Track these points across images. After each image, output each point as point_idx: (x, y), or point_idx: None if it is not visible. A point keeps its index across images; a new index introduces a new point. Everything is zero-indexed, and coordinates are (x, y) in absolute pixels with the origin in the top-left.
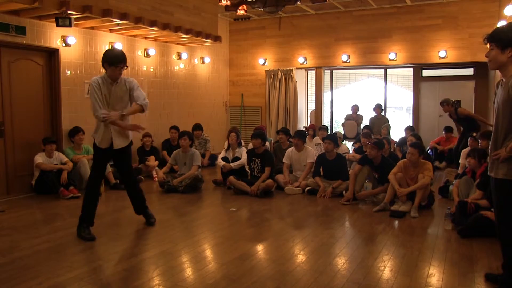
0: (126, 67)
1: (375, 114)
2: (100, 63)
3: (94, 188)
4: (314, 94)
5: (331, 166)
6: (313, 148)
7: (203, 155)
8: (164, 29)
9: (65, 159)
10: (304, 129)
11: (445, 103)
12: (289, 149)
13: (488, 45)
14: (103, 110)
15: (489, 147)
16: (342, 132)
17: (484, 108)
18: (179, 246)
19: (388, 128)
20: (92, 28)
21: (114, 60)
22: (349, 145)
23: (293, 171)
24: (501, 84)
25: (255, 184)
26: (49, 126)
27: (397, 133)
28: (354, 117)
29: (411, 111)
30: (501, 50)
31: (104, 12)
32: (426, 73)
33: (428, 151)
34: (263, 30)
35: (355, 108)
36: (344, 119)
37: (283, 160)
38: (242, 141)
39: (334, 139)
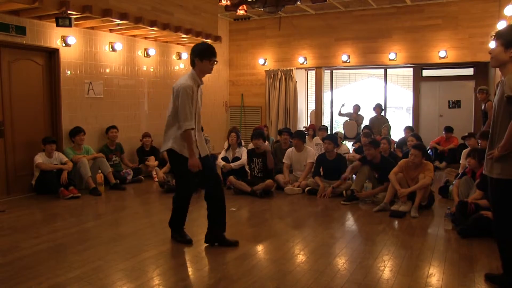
0: (216, 62)
1: (375, 114)
2: (100, 63)
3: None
4: (314, 94)
5: (331, 166)
6: (313, 148)
7: None
8: (164, 29)
9: (65, 159)
10: (304, 129)
11: (484, 91)
12: (289, 149)
13: (494, 42)
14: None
15: (487, 146)
16: (342, 132)
17: None
18: (179, 246)
19: (388, 128)
20: (92, 28)
21: (207, 53)
22: (349, 145)
23: (293, 171)
24: (501, 83)
25: (259, 185)
26: (49, 126)
27: (397, 133)
28: (354, 117)
29: (411, 111)
30: (504, 49)
31: (104, 12)
32: (426, 73)
33: (428, 151)
34: (263, 30)
35: (356, 108)
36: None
37: (283, 160)
38: (242, 141)
39: (334, 139)
